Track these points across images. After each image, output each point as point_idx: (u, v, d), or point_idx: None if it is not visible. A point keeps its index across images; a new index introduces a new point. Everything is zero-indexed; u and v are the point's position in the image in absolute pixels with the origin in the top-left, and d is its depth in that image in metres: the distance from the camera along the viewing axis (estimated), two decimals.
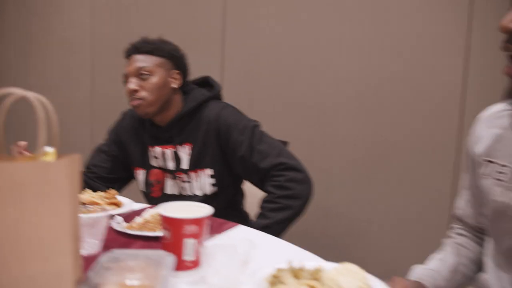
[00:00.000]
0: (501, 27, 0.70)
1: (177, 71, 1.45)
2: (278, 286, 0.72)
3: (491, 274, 0.89)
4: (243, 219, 1.53)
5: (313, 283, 0.71)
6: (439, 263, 0.96)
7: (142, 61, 1.41)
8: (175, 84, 1.44)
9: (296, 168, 1.35)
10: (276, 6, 2.16)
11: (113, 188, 1.35)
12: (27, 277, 0.57)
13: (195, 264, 0.80)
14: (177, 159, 1.44)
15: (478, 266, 0.97)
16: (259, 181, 1.38)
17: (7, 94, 0.59)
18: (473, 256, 0.98)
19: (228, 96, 2.38)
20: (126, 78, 1.42)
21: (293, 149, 2.13)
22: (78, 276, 0.66)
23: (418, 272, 0.94)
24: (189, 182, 1.43)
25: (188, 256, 0.80)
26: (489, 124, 0.87)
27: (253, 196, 1.61)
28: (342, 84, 2.03)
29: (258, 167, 1.34)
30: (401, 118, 1.94)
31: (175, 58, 1.46)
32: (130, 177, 1.56)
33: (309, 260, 0.81)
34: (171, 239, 0.80)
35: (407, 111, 1.92)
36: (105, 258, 0.74)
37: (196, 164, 1.42)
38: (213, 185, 1.42)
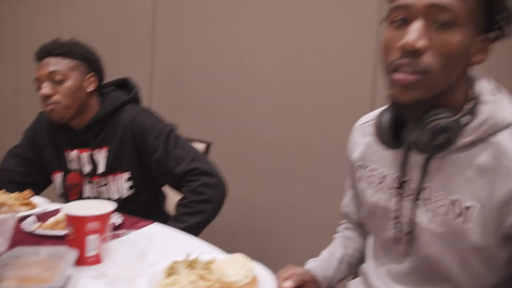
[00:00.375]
0: (405, 44, 0.72)
1: (92, 74, 1.44)
2: (171, 277, 0.80)
3: (370, 264, 1.00)
4: (164, 221, 1.57)
5: (202, 272, 0.80)
6: (328, 254, 1.07)
7: (55, 64, 1.38)
8: (90, 87, 1.43)
9: (209, 173, 1.39)
10: (204, 9, 2.23)
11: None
12: None
13: (98, 259, 0.86)
14: (93, 162, 1.44)
15: (363, 256, 1.10)
16: (175, 185, 1.42)
17: None
18: (359, 247, 1.10)
19: (157, 96, 2.42)
20: (38, 83, 1.39)
21: (219, 149, 2.23)
22: None
23: (310, 264, 1.05)
24: (106, 185, 1.44)
25: (91, 251, 0.85)
26: (361, 133, 0.99)
27: (176, 197, 1.66)
28: (264, 87, 2.13)
29: (173, 172, 1.38)
30: (318, 120, 2.07)
31: (89, 61, 1.44)
32: (47, 180, 1.55)
33: (206, 253, 0.90)
34: (75, 235, 0.85)
35: (323, 113, 2.06)
36: (5, 255, 0.78)
37: (113, 168, 1.43)
38: (130, 187, 1.44)
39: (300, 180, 2.11)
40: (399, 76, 0.73)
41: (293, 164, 2.11)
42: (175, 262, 0.84)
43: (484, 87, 0.79)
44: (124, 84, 1.56)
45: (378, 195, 0.92)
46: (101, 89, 1.49)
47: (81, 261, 0.85)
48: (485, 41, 0.77)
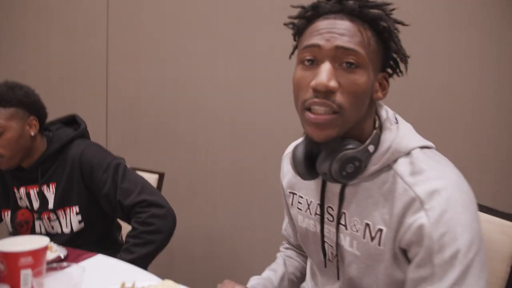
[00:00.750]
0: (318, 84, 0.76)
1: (33, 117, 1.43)
2: None
3: (307, 283, 1.07)
4: (118, 250, 1.59)
5: None
6: (270, 272, 1.12)
7: None
8: (33, 131, 1.42)
9: (158, 204, 1.41)
10: (155, 45, 2.30)
11: None
12: None
13: None
14: (42, 198, 1.45)
15: (303, 274, 1.16)
16: (125, 217, 1.45)
17: None
18: (299, 266, 1.17)
19: (113, 128, 2.45)
20: None
21: (175, 179, 2.26)
22: None
23: (252, 281, 1.10)
24: (56, 220, 1.46)
25: (25, 286, 0.88)
26: (288, 161, 1.04)
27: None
28: (217, 115, 2.19)
29: (122, 204, 1.40)
30: (271, 145, 2.11)
31: (27, 105, 1.41)
32: None
33: (142, 280, 0.94)
34: (7, 272, 0.87)
35: (276, 138, 2.11)
36: None
37: (62, 202, 1.44)
38: (80, 221, 1.46)
39: (258, 204, 2.15)
40: (313, 115, 0.78)
41: (250, 189, 2.16)
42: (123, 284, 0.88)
43: (385, 116, 0.87)
44: (72, 121, 1.59)
45: (307, 221, 0.98)
46: (47, 127, 1.51)
47: None
48: (383, 79, 0.85)
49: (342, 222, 0.89)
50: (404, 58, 0.85)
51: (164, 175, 1.84)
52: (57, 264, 0.90)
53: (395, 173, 0.82)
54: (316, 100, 0.77)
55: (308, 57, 0.80)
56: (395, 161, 0.83)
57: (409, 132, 0.86)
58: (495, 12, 1.67)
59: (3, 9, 2.63)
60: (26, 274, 0.88)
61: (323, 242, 0.94)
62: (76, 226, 1.46)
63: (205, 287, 2.25)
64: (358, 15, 0.80)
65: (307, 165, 0.86)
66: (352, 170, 0.81)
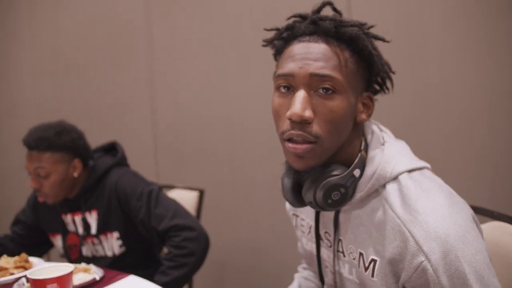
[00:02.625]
0: (293, 114, 0.74)
1: (77, 160, 1.51)
2: None
3: None
4: None
5: None
6: None
7: (37, 160, 1.43)
8: (76, 173, 1.51)
9: (190, 227, 1.47)
10: (197, 66, 2.41)
11: (35, 252, 1.51)
12: None
13: None
14: (85, 224, 1.57)
15: None
16: (160, 240, 1.51)
17: None
18: (314, 287, 1.14)
19: (161, 150, 2.58)
20: (27, 171, 1.47)
21: (217, 194, 2.34)
22: None
23: None
24: (99, 244, 1.57)
25: None
26: None
27: None
28: (254, 130, 2.25)
29: (157, 230, 1.47)
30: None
31: (73, 150, 1.49)
32: (48, 243, 1.69)
33: None
34: None
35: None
36: None
37: (103, 228, 1.55)
38: (121, 245, 1.56)
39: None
40: (292, 145, 0.77)
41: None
42: None
43: (370, 138, 0.84)
44: (112, 147, 1.70)
45: (310, 244, 0.97)
46: (91, 155, 1.61)
47: None
48: (367, 98, 0.83)
49: (340, 249, 0.87)
50: (388, 76, 0.83)
51: (204, 192, 1.91)
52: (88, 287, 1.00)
53: (384, 201, 0.78)
54: (293, 132, 0.76)
55: (283, 84, 0.79)
56: (383, 186, 0.79)
57: (397, 154, 0.80)
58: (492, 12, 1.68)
59: (54, 41, 2.89)
60: None
61: (319, 267, 0.92)
62: (117, 250, 1.57)
63: None
64: (334, 36, 0.78)
65: (295, 194, 0.84)
66: (338, 198, 0.78)
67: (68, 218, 1.60)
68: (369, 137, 0.84)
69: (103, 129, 2.72)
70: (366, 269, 0.80)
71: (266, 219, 2.27)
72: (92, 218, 1.57)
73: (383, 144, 0.83)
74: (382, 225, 0.77)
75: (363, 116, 0.82)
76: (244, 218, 2.32)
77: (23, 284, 1.25)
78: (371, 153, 0.82)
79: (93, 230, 1.57)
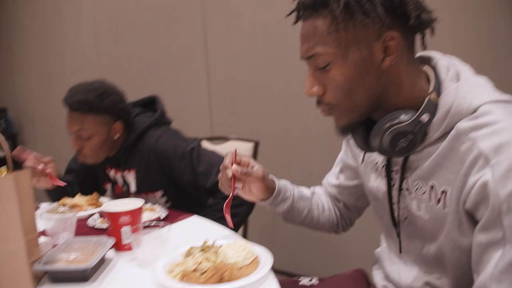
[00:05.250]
0: (306, 93, 0.83)
1: (118, 122, 1.48)
2: (186, 258, 0.95)
3: (382, 248, 1.05)
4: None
5: (208, 255, 0.93)
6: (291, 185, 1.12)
7: (79, 122, 1.41)
8: (117, 134, 1.49)
9: None
10: (249, 19, 2.37)
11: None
12: None
13: (132, 246, 1.04)
14: (126, 182, 1.57)
15: (323, 217, 1.14)
16: (210, 196, 1.50)
17: None
18: (321, 205, 1.14)
19: (215, 102, 2.61)
20: (68, 131, 1.46)
21: (272, 146, 2.35)
22: (36, 257, 0.92)
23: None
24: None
25: (126, 240, 1.04)
26: None
27: None
28: None
29: (205, 187, 1.45)
30: None
31: (114, 113, 1.47)
32: (102, 189, 1.70)
33: (222, 239, 1.04)
34: (112, 228, 1.04)
35: None
36: (61, 244, 1.00)
37: (143, 188, 1.53)
38: (166, 201, 1.55)
39: None
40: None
41: None
42: (192, 247, 0.99)
43: (444, 75, 0.80)
44: (151, 103, 1.64)
45: (378, 181, 0.96)
46: (130, 118, 1.55)
47: (119, 247, 1.05)
48: (384, 43, 0.77)
49: (405, 186, 0.86)
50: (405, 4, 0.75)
51: (259, 143, 1.93)
52: (154, 223, 1.05)
53: (458, 132, 0.75)
54: (317, 105, 0.84)
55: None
56: (458, 121, 0.76)
57: (475, 88, 0.76)
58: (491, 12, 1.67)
59: (113, 3, 2.94)
60: (125, 230, 1.04)
61: (391, 204, 0.91)
62: (164, 214, 1.50)
63: (305, 250, 2.35)
64: (320, 2, 0.77)
65: (364, 140, 0.86)
66: (405, 145, 0.79)
67: (111, 172, 1.61)
68: (442, 76, 0.80)
69: (159, 83, 2.79)
70: (438, 201, 0.79)
71: (321, 170, 2.26)
72: (131, 177, 1.55)
73: (454, 82, 0.79)
74: (453, 154, 0.76)
75: (387, 62, 0.77)
76: (298, 169, 2.33)
77: (96, 220, 1.34)
78: (444, 92, 0.78)
79: (133, 188, 1.57)
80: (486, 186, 0.69)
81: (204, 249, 0.98)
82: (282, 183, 1.07)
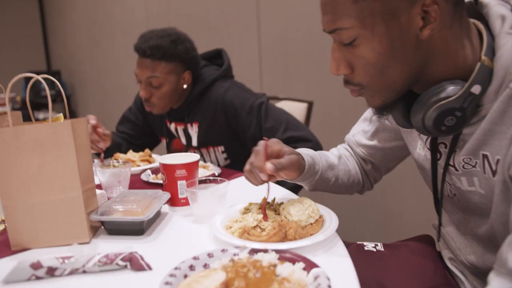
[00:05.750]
0: (332, 73, 0.74)
1: (188, 71, 1.44)
2: (244, 214, 0.90)
3: (446, 225, 0.94)
4: None
5: (269, 212, 0.87)
6: (318, 154, 1.00)
7: (151, 69, 1.37)
8: (186, 84, 1.45)
9: (305, 138, 1.38)
10: None
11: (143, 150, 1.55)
12: (50, 201, 0.81)
13: (188, 201, 1.00)
14: (187, 136, 1.52)
15: (349, 181, 1.04)
16: None
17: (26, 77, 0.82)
18: (347, 170, 1.04)
19: (265, 62, 2.52)
20: (137, 79, 1.42)
21: (324, 107, 2.25)
22: (93, 207, 0.89)
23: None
24: (202, 156, 1.53)
25: (182, 194, 1.00)
26: None
27: None
28: None
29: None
30: None
31: (186, 61, 1.43)
32: (156, 141, 1.70)
33: (282, 197, 0.98)
34: (167, 181, 1.00)
35: None
36: (117, 195, 0.97)
37: (205, 142, 1.49)
38: (226, 158, 1.51)
39: None
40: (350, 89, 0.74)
41: None
42: (250, 204, 0.93)
43: (497, 28, 0.65)
44: (217, 55, 1.59)
45: (425, 151, 0.85)
46: (199, 68, 1.51)
47: (174, 202, 1.01)
48: (430, 5, 0.63)
49: (453, 162, 0.75)
50: None
51: (313, 103, 1.83)
52: (210, 178, 1.00)
53: None
54: (344, 84, 0.75)
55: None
56: None
57: None
58: None
59: None
60: (181, 184, 0.99)
61: (435, 180, 0.81)
62: (222, 162, 1.53)
63: (358, 219, 2.27)
64: None
65: (405, 116, 0.75)
66: (453, 123, 0.67)
67: (172, 126, 1.58)
68: (497, 29, 0.66)
69: (209, 42, 2.72)
70: (494, 173, 0.68)
71: None
72: (193, 131, 1.51)
73: (509, 36, 0.64)
74: (510, 116, 0.63)
75: (427, 30, 0.64)
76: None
77: (149, 175, 1.32)
78: (499, 52, 0.64)
79: (194, 142, 1.53)
80: None
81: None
82: (310, 159, 0.96)
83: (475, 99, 0.65)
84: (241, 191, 1.15)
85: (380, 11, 0.64)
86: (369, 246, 0.99)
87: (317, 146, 1.40)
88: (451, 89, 0.66)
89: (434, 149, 0.79)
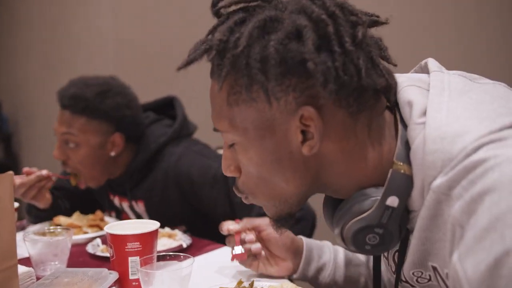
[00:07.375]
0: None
1: (118, 134, 1.37)
2: None
3: None
4: None
5: None
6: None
7: (68, 124, 1.33)
8: (114, 151, 1.38)
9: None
10: None
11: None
12: None
13: (141, 283, 0.96)
14: (137, 214, 1.47)
15: None
16: None
17: None
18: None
19: None
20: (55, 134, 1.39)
21: None
22: None
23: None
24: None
25: (133, 275, 0.96)
26: None
27: None
28: None
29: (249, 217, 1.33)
30: None
31: (115, 120, 1.36)
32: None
33: (262, 280, 0.95)
34: (115, 257, 0.97)
35: None
36: (47, 275, 0.94)
37: (160, 222, 1.40)
38: (192, 236, 1.40)
39: None
40: None
41: None
42: None
43: (407, 119, 0.67)
44: (168, 104, 1.51)
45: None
46: (138, 131, 1.45)
47: (124, 285, 0.97)
48: (303, 122, 0.67)
49: (402, 277, 0.76)
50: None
51: None
52: (170, 254, 0.97)
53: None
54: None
55: None
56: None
57: (451, 126, 0.61)
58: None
59: None
60: (134, 261, 0.96)
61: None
62: (187, 242, 1.34)
63: None
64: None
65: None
66: (377, 242, 0.68)
67: (116, 200, 1.53)
68: (406, 118, 0.68)
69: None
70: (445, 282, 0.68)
71: None
72: (141, 210, 1.46)
73: (423, 123, 0.64)
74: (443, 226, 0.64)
75: (306, 148, 0.67)
76: None
77: (98, 246, 1.28)
78: (412, 147, 0.65)
79: None
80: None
81: None
82: (314, 243, 1.00)
83: (396, 211, 0.66)
84: (213, 270, 1.11)
85: (253, 120, 0.69)
86: None
87: (308, 214, 1.38)
88: (366, 203, 0.68)
89: (376, 266, 0.82)
